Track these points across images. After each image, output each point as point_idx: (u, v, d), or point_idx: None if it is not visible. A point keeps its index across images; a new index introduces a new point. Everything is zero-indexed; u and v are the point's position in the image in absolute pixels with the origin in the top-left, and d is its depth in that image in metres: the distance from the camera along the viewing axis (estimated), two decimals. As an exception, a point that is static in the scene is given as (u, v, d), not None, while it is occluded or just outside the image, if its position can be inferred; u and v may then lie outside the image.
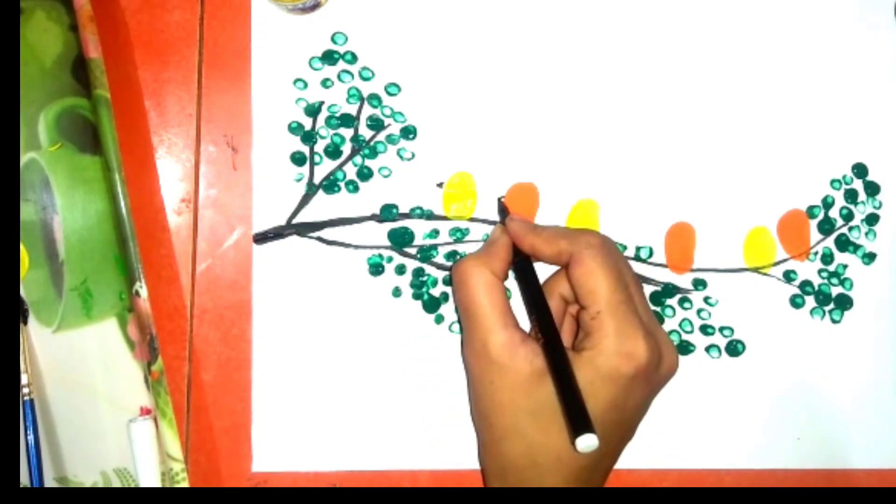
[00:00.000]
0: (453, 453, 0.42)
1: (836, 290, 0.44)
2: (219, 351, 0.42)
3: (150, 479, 0.40)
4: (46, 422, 0.40)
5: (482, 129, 0.43)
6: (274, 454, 0.42)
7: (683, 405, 0.43)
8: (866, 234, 0.45)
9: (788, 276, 0.44)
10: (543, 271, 0.40)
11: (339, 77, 0.43)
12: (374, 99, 0.43)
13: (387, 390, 0.42)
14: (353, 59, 0.43)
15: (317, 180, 0.43)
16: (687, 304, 0.44)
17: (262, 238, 0.42)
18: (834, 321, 0.44)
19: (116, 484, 0.40)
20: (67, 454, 0.40)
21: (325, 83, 0.43)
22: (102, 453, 0.40)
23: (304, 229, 0.42)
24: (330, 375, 0.42)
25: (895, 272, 0.45)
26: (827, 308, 0.44)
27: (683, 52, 0.44)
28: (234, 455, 0.42)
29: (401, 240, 0.43)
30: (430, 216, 0.43)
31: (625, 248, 0.43)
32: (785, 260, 0.44)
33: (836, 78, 0.45)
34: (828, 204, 0.45)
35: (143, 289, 0.39)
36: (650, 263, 0.44)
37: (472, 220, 0.43)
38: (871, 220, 0.45)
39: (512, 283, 0.41)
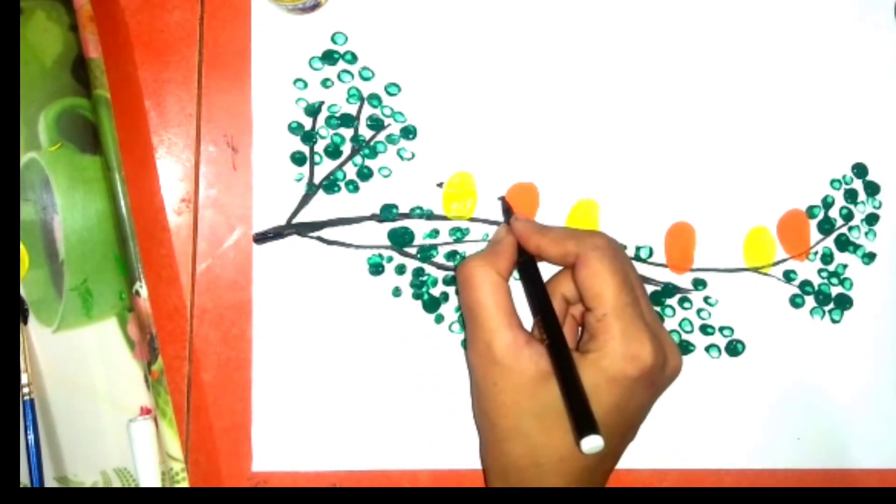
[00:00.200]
0: (453, 453, 0.42)
1: (835, 290, 0.44)
2: (219, 351, 0.42)
3: (150, 479, 0.40)
4: (46, 422, 0.40)
5: (482, 129, 0.43)
6: (274, 454, 0.42)
7: (683, 405, 0.43)
8: (866, 234, 0.45)
9: (788, 276, 0.44)
10: (546, 271, 0.40)
11: (339, 77, 0.43)
12: (374, 99, 0.43)
13: (387, 390, 0.42)
14: (353, 59, 0.43)
15: (317, 180, 0.43)
16: (687, 304, 0.44)
17: (262, 238, 0.42)
18: (834, 321, 0.44)
19: (116, 484, 0.40)
20: (67, 454, 0.40)
21: (325, 83, 0.43)
22: (102, 453, 0.40)
23: (304, 229, 0.42)
24: (330, 375, 0.42)
25: (895, 272, 0.45)
26: (827, 308, 0.44)
27: (683, 52, 0.44)
28: (234, 455, 0.42)
29: (401, 240, 0.43)
30: (430, 216, 0.43)
31: (625, 248, 0.43)
32: (785, 260, 0.44)
33: (836, 78, 0.45)
34: (828, 204, 0.45)
35: (143, 289, 0.39)
36: (650, 263, 0.44)
37: (472, 220, 0.43)
38: (871, 220, 0.45)
39: (515, 284, 0.41)
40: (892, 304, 0.45)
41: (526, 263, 0.39)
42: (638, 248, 0.44)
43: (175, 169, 0.42)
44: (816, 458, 0.44)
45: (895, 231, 0.45)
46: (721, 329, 0.44)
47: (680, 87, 0.44)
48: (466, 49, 0.43)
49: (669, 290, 0.44)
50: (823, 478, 0.44)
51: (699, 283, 0.44)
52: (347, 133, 0.43)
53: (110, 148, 0.40)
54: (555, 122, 0.43)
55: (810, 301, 0.44)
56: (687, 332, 0.44)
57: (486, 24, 0.43)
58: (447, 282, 0.43)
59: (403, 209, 0.43)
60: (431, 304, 0.43)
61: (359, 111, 0.43)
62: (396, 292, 0.42)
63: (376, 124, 0.43)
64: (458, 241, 0.43)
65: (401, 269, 0.43)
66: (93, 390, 0.40)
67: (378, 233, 0.43)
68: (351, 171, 0.43)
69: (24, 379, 0.39)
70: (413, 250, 0.43)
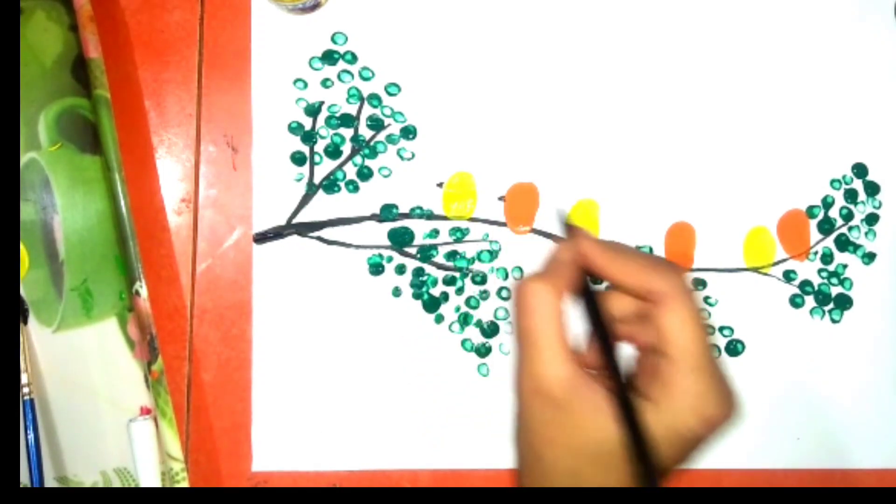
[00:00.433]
0: (453, 453, 0.42)
1: (835, 290, 0.44)
2: (219, 351, 0.42)
3: (150, 478, 0.40)
4: (46, 422, 0.40)
5: (482, 129, 0.43)
6: (274, 454, 0.42)
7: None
8: (866, 234, 0.45)
9: (788, 276, 0.44)
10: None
11: (339, 77, 0.43)
12: (374, 99, 0.43)
13: (387, 390, 0.42)
14: (353, 59, 0.43)
15: (317, 180, 0.43)
16: (687, 304, 0.44)
17: (262, 238, 0.42)
18: (834, 321, 0.44)
19: (116, 484, 0.40)
20: (67, 454, 0.40)
21: (325, 83, 0.43)
22: (102, 453, 0.40)
23: (304, 229, 0.42)
24: (330, 375, 0.42)
25: (895, 272, 0.45)
26: (827, 308, 0.44)
27: (683, 52, 0.44)
28: (234, 455, 0.42)
29: (401, 240, 0.43)
30: (430, 216, 0.43)
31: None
32: (785, 260, 0.44)
33: (836, 78, 0.45)
34: (828, 204, 0.45)
35: (143, 289, 0.39)
36: (650, 263, 0.44)
37: (472, 220, 0.43)
38: (871, 220, 0.45)
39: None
40: (892, 304, 0.45)
41: (590, 293, 0.36)
42: (638, 249, 0.44)
43: (175, 169, 0.42)
44: (816, 458, 0.44)
45: (895, 231, 0.45)
46: (721, 329, 0.44)
47: (680, 88, 0.44)
48: (466, 49, 0.43)
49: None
50: (823, 478, 0.44)
51: (699, 283, 0.44)
52: (347, 133, 0.43)
53: (110, 148, 0.40)
54: (554, 123, 0.43)
55: (810, 301, 0.44)
56: (687, 332, 0.44)
57: (486, 25, 0.43)
58: (447, 282, 0.43)
59: (403, 209, 0.43)
60: (431, 305, 0.43)
61: (359, 111, 0.43)
62: (396, 292, 0.42)
63: (376, 124, 0.43)
64: (458, 241, 0.43)
65: (401, 269, 0.43)
66: (93, 390, 0.40)
67: (378, 233, 0.43)
68: (351, 171, 0.43)
69: (24, 379, 0.39)
70: (413, 250, 0.43)
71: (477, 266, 0.43)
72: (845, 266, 0.45)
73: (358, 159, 0.43)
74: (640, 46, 0.44)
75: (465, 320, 0.43)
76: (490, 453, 0.42)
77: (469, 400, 0.42)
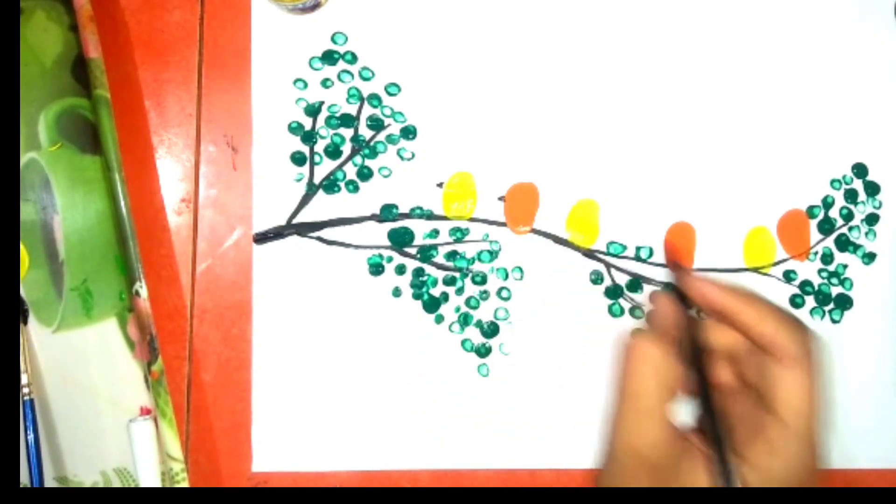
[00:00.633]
0: (453, 453, 0.42)
1: (836, 290, 0.44)
2: (219, 351, 0.42)
3: (150, 479, 0.40)
4: (46, 422, 0.40)
5: (482, 129, 0.43)
6: (274, 454, 0.42)
7: (684, 405, 0.43)
8: (866, 234, 0.45)
9: (788, 276, 0.44)
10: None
11: (339, 77, 0.43)
12: (374, 99, 0.43)
13: (387, 390, 0.42)
14: (353, 59, 0.43)
15: (317, 180, 0.43)
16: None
17: (262, 238, 0.42)
18: (834, 321, 0.44)
19: (116, 484, 0.40)
20: (67, 454, 0.40)
21: (325, 83, 0.43)
22: (102, 453, 0.40)
23: (304, 229, 0.42)
24: (330, 375, 0.42)
25: (895, 272, 0.45)
26: (827, 308, 0.44)
27: (683, 51, 0.44)
28: (234, 455, 0.42)
29: (401, 240, 0.43)
30: (430, 216, 0.43)
31: (625, 248, 0.43)
32: (785, 260, 0.44)
33: (836, 78, 0.45)
34: (828, 204, 0.45)
35: (143, 289, 0.39)
36: (650, 263, 0.44)
37: (472, 220, 0.43)
38: (871, 220, 0.45)
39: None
40: (892, 304, 0.45)
41: (700, 352, 0.34)
42: (638, 249, 0.44)
43: (175, 169, 0.42)
44: (816, 458, 0.44)
45: (895, 231, 0.45)
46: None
47: (680, 87, 0.44)
48: (466, 49, 0.43)
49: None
50: (823, 478, 0.44)
51: (699, 283, 0.44)
52: (347, 133, 0.43)
53: (110, 148, 0.40)
54: (554, 122, 0.43)
55: (810, 301, 0.44)
56: (687, 332, 0.44)
57: (485, 25, 0.43)
58: (447, 282, 0.43)
59: (403, 209, 0.43)
60: (431, 305, 0.43)
61: (359, 111, 0.43)
62: (396, 292, 0.42)
63: (376, 124, 0.43)
64: (458, 241, 0.43)
65: (401, 269, 0.43)
66: (93, 390, 0.40)
67: (378, 233, 0.43)
68: (351, 171, 0.43)
69: (24, 379, 0.39)
70: (413, 250, 0.43)
71: (477, 266, 0.43)
72: (845, 266, 0.45)
73: (358, 159, 0.43)
74: (641, 46, 0.44)
75: (465, 320, 0.43)
76: (490, 453, 0.42)
77: (469, 400, 0.42)
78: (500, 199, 0.43)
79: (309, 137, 0.43)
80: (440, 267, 0.43)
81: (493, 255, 0.43)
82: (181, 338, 0.42)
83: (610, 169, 0.44)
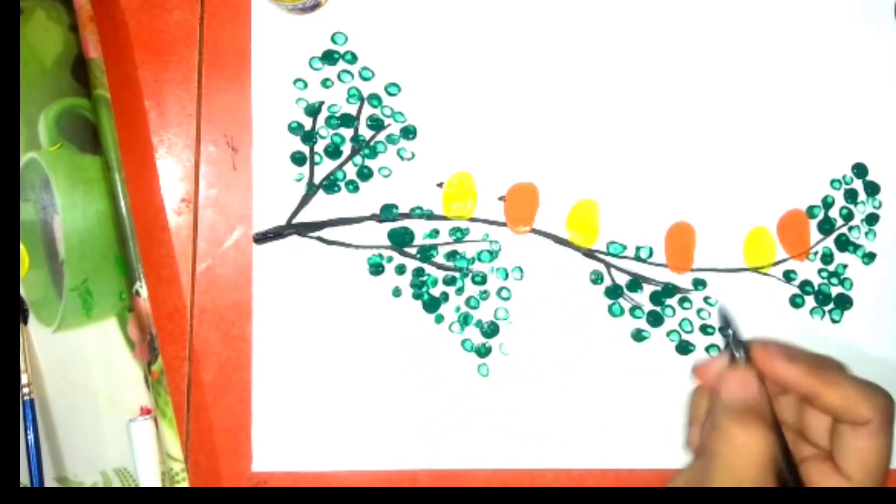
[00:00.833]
0: (453, 453, 0.42)
1: (835, 290, 0.44)
2: (219, 351, 0.42)
3: (150, 479, 0.40)
4: (46, 422, 0.40)
5: (482, 129, 0.43)
6: (274, 454, 0.42)
7: (684, 405, 0.43)
8: (866, 234, 0.45)
9: (788, 276, 0.44)
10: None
11: (339, 77, 0.43)
12: (374, 99, 0.43)
13: (387, 390, 0.42)
14: (353, 59, 0.43)
15: (317, 180, 0.43)
16: (687, 304, 0.44)
17: (262, 238, 0.42)
18: (834, 321, 0.44)
19: (116, 484, 0.40)
20: (67, 454, 0.40)
21: (325, 83, 0.43)
22: (102, 453, 0.40)
23: (304, 229, 0.42)
24: (330, 375, 0.42)
25: (895, 272, 0.45)
26: (827, 308, 0.44)
27: (683, 51, 0.44)
28: (234, 455, 0.42)
29: (401, 240, 0.43)
30: (430, 216, 0.43)
31: (625, 247, 0.43)
32: (785, 260, 0.44)
33: (836, 78, 0.45)
34: (828, 204, 0.45)
35: (143, 289, 0.39)
36: (650, 263, 0.44)
37: (472, 220, 0.43)
38: (871, 220, 0.45)
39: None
40: (892, 304, 0.45)
41: (782, 435, 0.34)
42: (638, 248, 0.44)
43: (175, 169, 0.42)
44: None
45: (895, 231, 0.45)
46: (721, 329, 0.44)
47: (680, 87, 0.44)
48: (466, 49, 0.43)
49: (669, 290, 0.44)
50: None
51: (699, 283, 0.44)
52: (347, 133, 0.43)
53: (110, 148, 0.40)
54: (554, 122, 0.43)
55: (810, 301, 0.44)
56: (687, 333, 0.44)
57: (485, 24, 0.43)
58: (447, 282, 0.43)
59: (403, 209, 0.43)
60: (431, 305, 0.43)
61: (359, 111, 0.43)
62: (396, 292, 0.42)
63: (376, 124, 0.43)
64: (458, 241, 0.43)
65: (401, 269, 0.43)
66: (93, 390, 0.40)
67: (378, 233, 0.43)
68: (351, 171, 0.43)
69: (24, 379, 0.39)
70: (413, 250, 0.43)
71: (477, 266, 0.43)
72: (845, 266, 0.45)
73: (358, 159, 0.43)
74: (641, 46, 0.44)
75: (465, 320, 0.43)
76: (490, 453, 0.42)
77: (469, 400, 0.42)
78: (500, 199, 0.43)
79: (309, 137, 0.43)
80: (440, 267, 0.43)
81: (493, 255, 0.43)
82: (181, 338, 0.42)
83: (610, 169, 0.44)
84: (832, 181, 0.45)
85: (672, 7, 0.44)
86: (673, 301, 0.44)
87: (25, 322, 0.40)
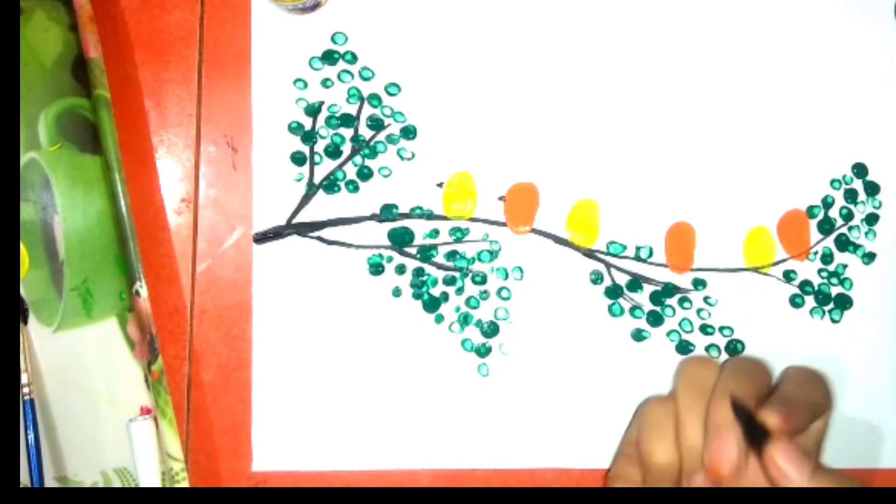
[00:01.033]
0: (453, 453, 0.42)
1: (835, 290, 0.44)
2: (219, 351, 0.42)
3: (150, 478, 0.40)
4: (46, 422, 0.40)
5: (482, 129, 0.43)
6: (274, 454, 0.42)
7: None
8: (866, 233, 0.45)
9: (788, 276, 0.44)
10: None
11: (339, 77, 0.43)
12: (374, 99, 0.43)
13: (387, 390, 0.42)
14: (353, 59, 0.43)
15: (317, 180, 0.43)
16: (687, 304, 0.44)
17: (262, 238, 0.42)
18: (834, 321, 0.44)
19: (116, 484, 0.40)
20: (67, 454, 0.40)
21: (325, 83, 0.43)
22: (102, 453, 0.40)
23: (304, 229, 0.42)
24: (330, 375, 0.42)
25: (895, 272, 0.45)
26: (827, 308, 0.44)
27: (683, 51, 0.44)
28: (234, 455, 0.42)
29: (401, 240, 0.43)
30: (430, 216, 0.43)
31: (625, 247, 0.43)
32: (785, 260, 0.44)
33: (836, 78, 0.45)
34: (828, 204, 0.45)
35: (143, 288, 0.39)
36: (650, 263, 0.44)
37: (472, 220, 0.43)
38: (871, 219, 0.45)
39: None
40: (892, 304, 0.45)
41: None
42: (638, 248, 0.44)
43: (175, 169, 0.42)
44: (816, 458, 0.44)
45: (895, 231, 0.45)
46: (721, 329, 0.44)
47: (680, 87, 0.44)
48: (466, 49, 0.43)
49: (669, 290, 0.44)
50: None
51: (699, 283, 0.44)
52: (347, 133, 0.43)
53: (110, 148, 0.40)
54: (554, 122, 0.43)
55: (810, 301, 0.44)
56: (687, 332, 0.44)
57: (485, 24, 0.43)
58: (447, 282, 0.43)
59: (403, 209, 0.43)
60: (431, 305, 0.43)
61: (359, 111, 0.43)
62: (396, 292, 0.42)
63: (376, 124, 0.43)
64: (458, 241, 0.43)
65: (401, 269, 0.43)
66: (93, 390, 0.40)
67: (378, 233, 0.43)
68: (351, 171, 0.43)
69: (24, 379, 0.39)
70: (413, 250, 0.43)
71: (477, 266, 0.43)
72: (845, 266, 0.45)
73: (358, 159, 0.43)
74: (640, 46, 0.44)
75: (465, 320, 0.43)
76: (490, 453, 0.42)
77: (469, 400, 0.42)
78: (500, 199, 0.43)
79: (309, 137, 0.43)
80: (440, 267, 0.43)
81: (493, 255, 0.43)
82: (181, 338, 0.42)
83: (610, 169, 0.44)
84: (832, 181, 0.45)
85: (672, 7, 0.44)
86: (673, 301, 0.44)
87: (25, 322, 0.40)
